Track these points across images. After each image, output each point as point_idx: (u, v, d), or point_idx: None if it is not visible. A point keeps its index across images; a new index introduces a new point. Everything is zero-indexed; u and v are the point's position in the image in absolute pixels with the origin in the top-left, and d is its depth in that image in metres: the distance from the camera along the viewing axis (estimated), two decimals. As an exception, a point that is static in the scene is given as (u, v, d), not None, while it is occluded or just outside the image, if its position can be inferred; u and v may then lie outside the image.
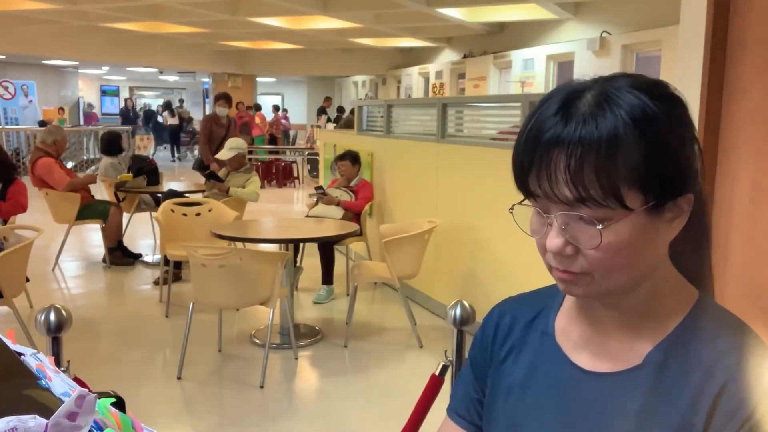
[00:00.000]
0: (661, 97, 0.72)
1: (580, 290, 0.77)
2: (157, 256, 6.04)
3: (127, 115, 19.42)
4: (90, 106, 20.18)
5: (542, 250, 0.77)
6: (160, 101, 22.51)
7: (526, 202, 0.77)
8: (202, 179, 6.17)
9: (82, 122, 18.29)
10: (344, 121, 11.35)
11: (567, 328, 0.86)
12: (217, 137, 7.31)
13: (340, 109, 15.29)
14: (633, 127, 0.69)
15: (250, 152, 11.48)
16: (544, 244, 0.76)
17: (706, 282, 0.84)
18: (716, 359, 0.73)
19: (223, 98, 7.51)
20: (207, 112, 19.87)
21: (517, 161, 0.75)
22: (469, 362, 0.98)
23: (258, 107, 16.81)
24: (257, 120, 16.01)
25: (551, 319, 0.89)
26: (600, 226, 0.71)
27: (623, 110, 0.70)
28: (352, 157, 5.50)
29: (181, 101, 21.68)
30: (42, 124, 15.37)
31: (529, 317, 0.91)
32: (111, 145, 6.94)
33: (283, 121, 19.17)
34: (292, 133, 18.35)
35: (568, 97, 0.73)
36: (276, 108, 17.75)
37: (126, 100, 19.09)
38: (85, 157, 15.32)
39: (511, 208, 0.79)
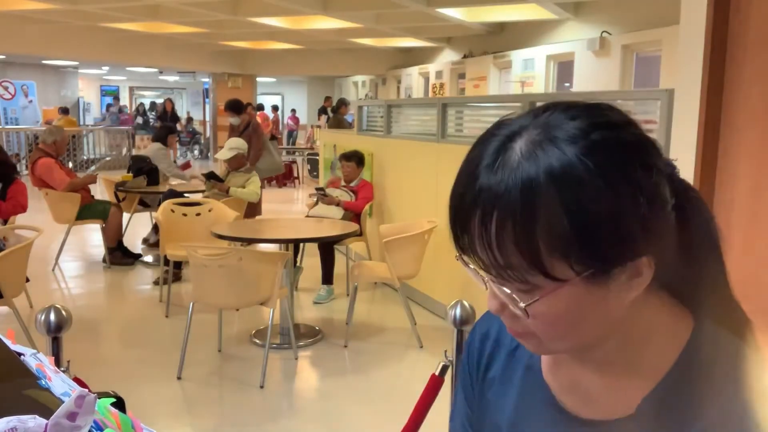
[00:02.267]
0: (599, 148, 0.61)
1: (532, 347, 0.70)
2: (147, 257, 6.06)
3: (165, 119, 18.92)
4: (123, 108, 19.81)
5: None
6: (160, 100, 22.41)
7: (463, 258, 0.68)
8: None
9: (102, 121, 18.18)
10: (332, 121, 11.32)
11: (554, 366, 0.79)
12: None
13: (335, 110, 15.29)
14: (556, 189, 0.59)
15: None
16: None
17: (733, 317, 0.73)
18: (719, 412, 0.65)
19: (229, 109, 7.24)
20: (207, 112, 19.86)
21: (450, 218, 0.66)
22: (461, 394, 0.92)
23: (260, 107, 16.81)
24: (259, 120, 16.01)
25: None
26: (525, 303, 0.63)
27: (543, 169, 0.60)
28: (358, 159, 5.49)
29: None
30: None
31: (513, 345, 0.83)
32: (164, 134, 7.02)
33: (289, 121, 19.15)
34: (293, 133, 18.38)
35: (501, 144, 0.63)
36: (275, 108, 17.74)
37: (166, 101, 18.86)
38: (85, 157, 15.33)
39: (458, 257, 0.69)
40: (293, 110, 20.19)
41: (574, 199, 0.59)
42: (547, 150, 0.60)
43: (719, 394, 0.66)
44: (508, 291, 0.64)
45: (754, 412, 0.64)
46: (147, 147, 7.20)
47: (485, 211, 0.61)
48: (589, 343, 0.69)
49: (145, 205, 6.78)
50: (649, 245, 0.62)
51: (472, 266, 0.67)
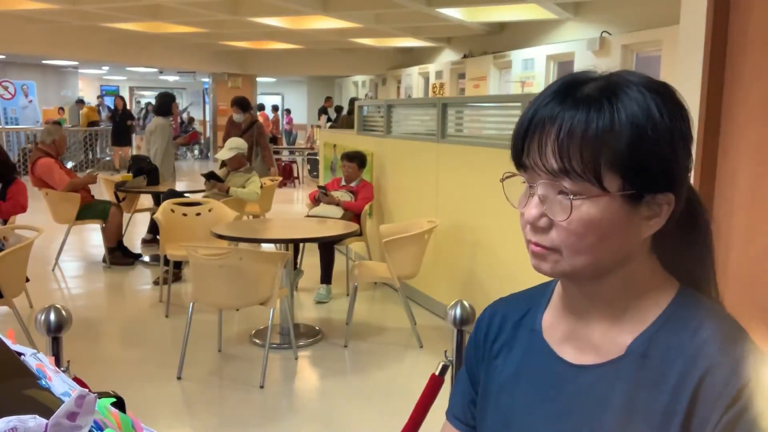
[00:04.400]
0: (664, 98, 0.75)
1: (548, 266, 0.79)
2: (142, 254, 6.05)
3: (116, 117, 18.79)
4: (191, 120, 19.26)
5: (523, 223, 0.80)
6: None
7: (517, 174, 0.81)
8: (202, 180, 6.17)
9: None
10: (343, 120, 11.33)
11: (553, 323, 0.88)
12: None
13: (339, 109, 15.26)
14: (626, 116, 0.72)
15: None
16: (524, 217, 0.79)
17: (711, 291, 0.84)
18: (698, 347, 0.74)
19: (236, 104, 7.29)
20: (207, 113, 19.85)
21: (514, 135, 0.79)
22: (464, 365, 1.00)
23: (261, 107, 16.81)
24: (260, 119, 16.00)
25: (539, 317, 0.91)
26: (572, 197, 0.74)
27: (622, 101, 0.73)
28: (360, 160, 5.49)
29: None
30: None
31: (519, 316, 0.93)
32: (165, 107, 6.98)
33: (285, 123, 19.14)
34: (293, 133, 18.37)
35: (572, 82, 0.77)
36: (275, 108, 17.74)
37: (116, 98, 18.65)
38: (91, 157, 15.34)
39: (503, 178, 0.82)
40: (287, 110, 20.14)
41: (641, 125, 0.72)
42: (628, 88, 0.74)
43: (697, 338, 0.75)
44: (560, 192, 0.75)
45: (728, 352, 0.73)
46: (151, 123, 7.13)
47: (561, 123, 0.74)
48: (602, 268, 0.78)
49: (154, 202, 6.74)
50: (676, 184, 0.76)
51: (525, 179, 0.79)
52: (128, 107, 16.70)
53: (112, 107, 16.77)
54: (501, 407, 0.90)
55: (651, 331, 0.78)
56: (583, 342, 0.83)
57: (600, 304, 0.82)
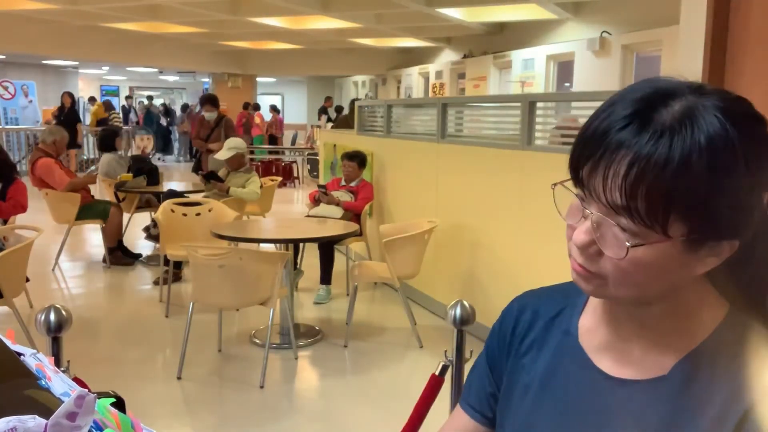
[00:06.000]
0: (752, 134, 0.67)
1: (590, 288, 0.75)
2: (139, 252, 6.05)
3: (127, 116, 18.81)
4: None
5: (569, 235, 0.75)
6: (160, 100, 22.34)
7: (572, 187, 0.74)
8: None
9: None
10: (341, 120, 11.32)
11: (591, 329, 0.83)
12: (204, 137, 7.40)
13: (339, 109, 15.26)
14: (707, 159, 0.64)
15: (250, 152, 11.47)
16: (571, 230, 0.74)
17: (763, 314, 0.78)
18: (745, 377, 0.71)
19: (209, 102, 7.39)
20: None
21: (577, 149, 0.72)
22: (484, 353, 0.96)
23: (257, 107, 16.78)
24: (256, 120, 15.98)
25: (575, 319, 0.86)
26: (630, 243, 0.68)
27: (704, 137, 0.64)
28: (360, 160, 5.49)
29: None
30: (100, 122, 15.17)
31: (551, 314, 0.88)
32: (106, 141, 7.01)
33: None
34: (292, 133, 18.30)
35: (650, 102, 0.68)
36: (274, 108, 17.71)
37: (64, 95, 18.53)
38: (84, 157, 15.33)
39: (554, 185, 0.76)
40: (274, 107, 19.80)
41: (721, 171, 0.64)
42: (708, 118, 0.65)
43: (746, 368, 0.71)
44: (617, 227, 0.68)
45: None
46: (146, 147, 7.20)
47: (635, 160, 0.65)
48: (646, 300, 0.74)
49: (149, 204, 6.73)
50: (744, 232, 0.69)
51: (581, 196, 0.72)
52: (77, 106, 14.60)
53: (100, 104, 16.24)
54: (526, 409, 0.86)
55: (697, 355, 0.74)
56: (621, 354, 0.79)
57: (642, 324, 0.78)
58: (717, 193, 0.65)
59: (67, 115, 13.42)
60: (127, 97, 20.21)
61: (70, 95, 14.04)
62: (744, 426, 0.68)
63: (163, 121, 18.16)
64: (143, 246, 6.84)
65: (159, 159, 17.34)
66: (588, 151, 0.70)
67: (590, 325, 0.84)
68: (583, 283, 0.75)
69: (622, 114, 0.68)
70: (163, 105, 19.55)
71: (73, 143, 12.96)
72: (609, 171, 0.67)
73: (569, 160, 0.73)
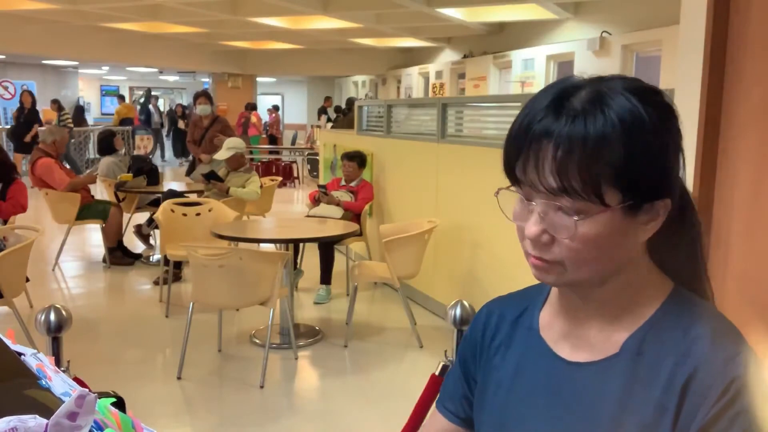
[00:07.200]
0: (653, 103, 0.75)
1: (552, 278, 0.80)
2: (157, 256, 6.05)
3: (149, 119, 17.70)
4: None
5: (521, 236, 0.80)
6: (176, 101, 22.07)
7: (513, 188, 0.80)
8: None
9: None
10: (344, 119, 11.32)
11: (550, 322, 0.89)
12: (198, 138, 7.08)
13: (339, 109, 15.25)
14: (621, 129, 0.72)
15: (249, 152, 11.47)
16: (524, 230, 0.79)
17: (704, 289, 0.86)
18: (689, 345, 0.76)
19: (203, 95, 7.12)
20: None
21: (507, 148, 0.78)
22: (458, 359, 1.02)
23: (253, 107, 16.75)
24: (253, 119, 15.97)
25: (536, 315, 0.92)
26: (576, 218, 0.74)
27: (613, 111, 0.72)
28: (360, 160, 5.50)
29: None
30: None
31: (516, 314, 0.94)
32: (104, 144, 6.97)
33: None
34: (292, 133, 18.29)
35: (562, 93, 0.76)
36: (275, 108, 17.69)
37: (153, 97, 17.92)
38: (90, 157, 15.35)
39: (497, 192, 0.82)
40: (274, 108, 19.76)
41: (635, 137, 0.72)
42: (615, 97, 0.73)
43: (688, 336, 0.77)
44: (561, 210, 0.75)
45: (718, 349, 0.75)
46: (146, 147, 7.12)
47: (558, 142, 0.73)
48: (603, 278, 0.80)
49: (152, 204, 6.67)
50: (671, 188, 0.77)
51: (522, 195, 0.78)
52: (36, 106, 12.94)
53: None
54: (499, 404, 0.91)
55: (644, 330, 0.80)
56: (579, 340, 0.85)
57: (597, 305, 0.83)
58: (636, 157, 0.72)
59: (27, 117, 12.30)
60: (152, 97, 18.96)
61: (30, 93, 12.78)
62: (690, 385, 0.74)
63: (181, 124, 17.50)
64: (141, 245, 6.84)
65: (180, 164, 16.66)
66: (516, 147, 0.77)
67: (549, 318, 0.90)
68: (544, 274, 0.80)
69: (538, 108, 0.76)
70: (180, 106, 18.52)
71: (28, 147, 11.17)
72: (539, 159, 0.74)
73: (503, 163, 0.79)
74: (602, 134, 0.72)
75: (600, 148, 0.72)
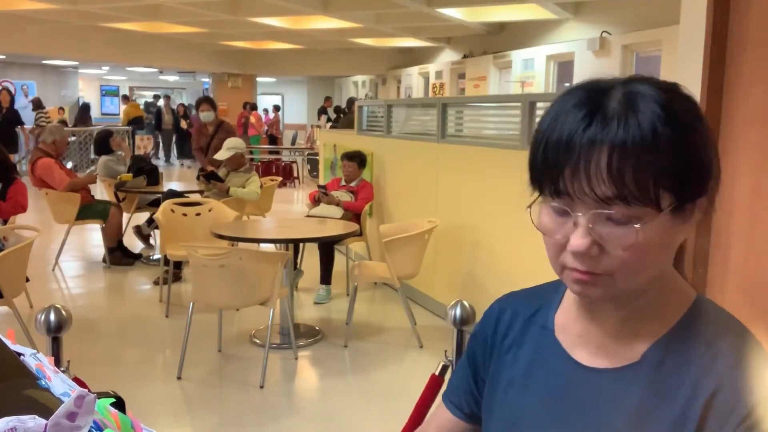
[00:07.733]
0: (685, 100, 0.74)
1: (599, 291, 0.75)
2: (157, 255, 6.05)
3: (160, 120, 17.33)
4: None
5: (557, 250, 0.76)
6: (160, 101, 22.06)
7: (553, 201, 0.75)
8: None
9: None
10: (345, 119, 11.32)
11: (567, 324, 0.87)
12: (204, 145, 6.94)
13: (338, 110, 15.25)
14: (669, 130, 0.70)
15: (249, 152, 11.47)
16: (561, 244, 0.75)
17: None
18: (713, 359, 0.74)
19: (205, 101, 6.99)
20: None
21: (544, 159, 0.74)
22: (467, 354, 1.00)
23: (254, 107, 16.74)
24: (252, 119, 15.97)
25: (551, 315, 0.89)
26: (638, 225, 0.71)
27: (657, 113, 0.70)
28: (360, 160, 5.50)
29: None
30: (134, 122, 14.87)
31: (529, 313, 0.92)
32: (100, 144, 6.99)
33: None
34: (292, 133, 18.30)
35: (593, 97, 0.73)
36: (275, 108, 17.69)
37: (165, 98, 17.56)
38: (92, 157, 15.34)
39: (529, 207, 0.78)
40: (265, 110, 19.79)
41: (681, 134, 0.70)
42: (650, 95, 0.71)
43: (712, 349, 0.75)
44: (613, 219, 0.71)
45: (742, 367, 0.73)
46: (146, 147, 7.08)
47: (612, 148, 0.69)
48: (650, 283, 0.77)
49: (152, 204, 6.65)
50: (711, 187, 0.75)
51: (563, 206, 0.74)
52: (14, 105, 12.42)
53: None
54: (509, 404, 0.89)
55: (667, 339, 0.78)
56: (596, 345, 0.82)
57: (627, 313, 0.80)
58: (685, 156, 0.71)
59: (6, 116, 11.90)
60: (164, 96, 18.61)
61: (9, 92, 12.40)
62: (713, 403, 0.71)
63: (183, 124, 17.14)
64: (141, 245, 6.84)
65: (183, 165, 16.54)
66: (562, 159, 0.72)
67: (566, 319, 0.87)
68: (591, 288, 0.75)
69: (578, 117, 0.72)
70: (182, 105, 18.26)
71: (11, 147, 11.13)
72: (590, 168, 0.70)
73: (535, 175, 0.75)
74: (653, 136, 0.69)
75: (653, 151, 0.69)
